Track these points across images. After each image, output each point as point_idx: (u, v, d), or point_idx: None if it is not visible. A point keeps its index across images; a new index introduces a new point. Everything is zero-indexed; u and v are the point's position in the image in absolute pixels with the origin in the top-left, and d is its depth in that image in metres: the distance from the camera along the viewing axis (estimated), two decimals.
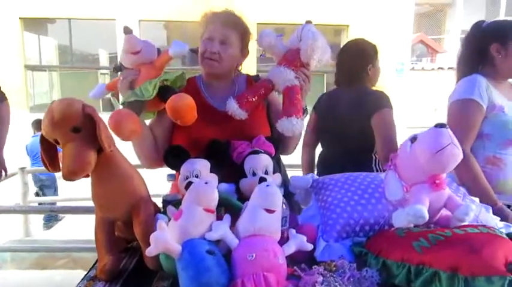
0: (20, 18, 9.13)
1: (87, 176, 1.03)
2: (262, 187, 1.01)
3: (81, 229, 3.35)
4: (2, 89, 2.66)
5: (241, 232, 0.99)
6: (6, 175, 2.16)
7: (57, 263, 3.03)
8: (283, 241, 1.04)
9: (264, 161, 1.35)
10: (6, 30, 8.96)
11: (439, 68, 11.62)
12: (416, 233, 1.02)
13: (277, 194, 1.01)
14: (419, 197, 1.09)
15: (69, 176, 0.96)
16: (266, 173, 1.34)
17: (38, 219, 4.81)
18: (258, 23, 9.00)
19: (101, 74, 10.61)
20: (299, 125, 1.40)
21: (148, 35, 9.63)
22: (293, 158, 1.95)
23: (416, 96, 9.81)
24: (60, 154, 1.06)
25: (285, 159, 1.73)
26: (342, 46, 2.11)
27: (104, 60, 10.60)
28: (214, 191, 1.02)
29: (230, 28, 1.46)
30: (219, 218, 1.05)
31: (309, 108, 1.65)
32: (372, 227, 1.17)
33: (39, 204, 4.60)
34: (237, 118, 1.41)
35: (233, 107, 1.41)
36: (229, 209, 1.19)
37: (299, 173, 1.86)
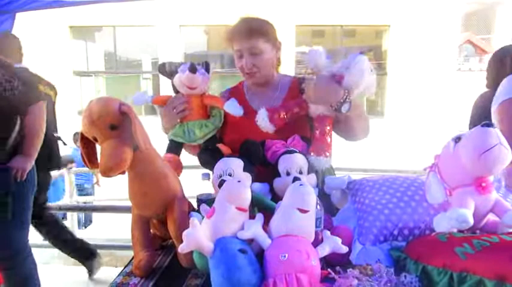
0: (69, 26, 9.64)
1: (123, 173, 1.05)
2: (296, 186, 0.99)
3: (115, 228, 3.49)
4: (41, 88, 2.53)
5: (274, 232, 0.97)
6: (24, 183, 2.11)
7: (101, 260, 3.14)
8: (317, 242, 1.01)
9: (299, 161, 1.33)
10: (56, 38, 9.47)
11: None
12: (460, 238, 0.96)
13: (311, 193, 0.98)
14: (463, 201, 1.03)
15: (106, 173, 0.98)
16: (300, 173, 1.31)
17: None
18: (296, 25, 8.98)
19: (143, 78, 10.97)
20: (327, 164, 1.41)
21: (188, 39, 9.86)
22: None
23: (463, 97, 9.38)
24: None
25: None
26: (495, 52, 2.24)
27: (146, 65, 10.95)
28: (246, 189, 1.01)
29: (254, 37, 1.48)
30: (252, 217, 1.04)
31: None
32: (412, 231, 1.12)
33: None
34: (264, 131, 1.41)
35: (262, 119, 1.40)
36: (262, 209, 1.19)
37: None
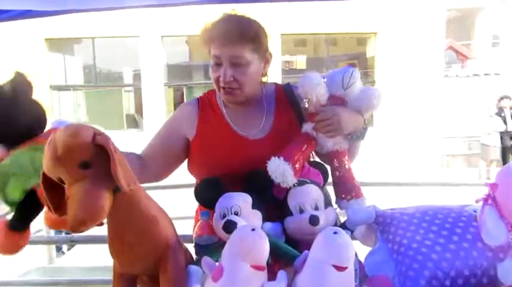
0: (45, 39, 9.26)
1: (101, 224, 0.80)
2: (329, 236, 0.77)
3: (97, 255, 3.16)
4: None
5: None
6: None
7: None
8: None
9: (313, 194, 1.10)
10: (32, 51, 9.08)
11: (474, 74, 11.13)
12: None
13: (349, 245, 0.76)
14: None
15: (77, 226, 0.73)
16: (316, 208, 1.08)
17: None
18: (281, 34, 8.83)
19: (125, 91, 10.64)
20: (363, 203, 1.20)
21: (171, 50, 9.60)
22: None
23: (452, 104, 9.37)
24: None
25: None
26: None
27: (128, 78, 10.63)
28: (264, 241, 0.78)
29: (239, 43, 1.14)
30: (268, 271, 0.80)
31: None
32: (468, 280, 0.90)
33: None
34: (284, 186, 1.10)
35: (282, 174, 1.08)
36: (278, 257, 0.95)
37: None
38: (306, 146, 1.16)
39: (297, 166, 1.11)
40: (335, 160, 1.21)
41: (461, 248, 0.92)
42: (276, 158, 1.09)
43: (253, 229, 0.79)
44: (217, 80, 1.18)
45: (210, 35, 1.17)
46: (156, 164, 1.26)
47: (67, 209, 0.83)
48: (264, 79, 1.30)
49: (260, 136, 1.24)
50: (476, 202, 0.96)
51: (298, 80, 1.20)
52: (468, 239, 0.94)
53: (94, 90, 10.33)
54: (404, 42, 8.58)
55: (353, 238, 1.19)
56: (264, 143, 1.22)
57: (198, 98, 1.33)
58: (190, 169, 1.30)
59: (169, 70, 9.81)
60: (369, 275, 0.96)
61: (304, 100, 1.19)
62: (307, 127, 1.19)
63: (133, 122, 10.36)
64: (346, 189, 1.19)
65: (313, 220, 1.02)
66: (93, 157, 0.77)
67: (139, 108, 10.16)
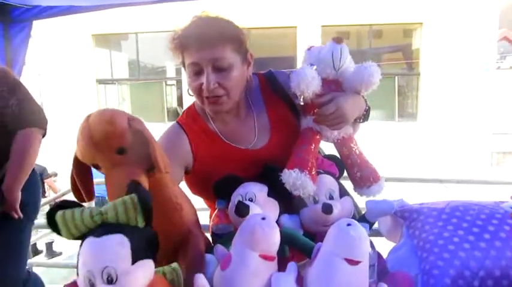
0: (91, 35, 9.65)
1: None
2: (342, 228, 0.72)
3: None
4: (31, 112, 1.85)
5: None
6: (18, 217, 1.81)
7: None
8: None
9: (327, 183, 1.06)
10: (79, 46, 9.49)
11: None
12: None
13: (364, 237, 0.72)
14: None
15: None
16: (331, 198, 1.04)
17: None
18: (322, 26, 8.68)
19: (167, 85, 10.88)
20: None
21: None
22: None
23: (504, 98, 8.80)
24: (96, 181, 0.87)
25: None
26: None
27: (170, 72, 10.86)
28: (274, 230, 0.75)
29: (218, 44, 1.03)
30: (283, 262, 0.78)
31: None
32: (499, 282, 0.83)
33: None
34: (305, 196, 1.04)
35: (305, 185, 1.02)
36: (295, 248, 0.92)
37: None
38: (313, 145, 1.10)
39: (313, 172, 1.06)
40: (344, 148, 1.16)
41: (492, 247, 0.85)
42: (291, 171, 1.03)
43: (263, 218, 0.76)
44: (199, 90, 1.06)
45: (184, 42, 1.05)
46: None
47: (93, 195, 0.86)
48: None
49: (261, 144, 1.18)
50: (511, 198, 0.89)
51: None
52: (502, 237, 0.87)
53: (138, 84, 10.65)
54: (453, 33, 8.14)
55: (376, 233, 1.14)
56: (268, 149, 1.18)
57: (179, 124, 1.19)
58: (197, 193, 1.23)
59: None
60: (390, 272, 0.91)
61: (299, 96, 1.13)
62: (308, 121, 1.13)
63: (175, 115, 10.59)
64: (364, 176, 1.14)
65: (326, 208, 0.98)
66: (129, 143, 0.77)
67: (181, 102, 10.38)
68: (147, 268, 0.66)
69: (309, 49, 1.17)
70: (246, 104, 1.20)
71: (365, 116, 1.17)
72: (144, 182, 0.78)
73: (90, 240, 0.64)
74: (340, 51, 1.07)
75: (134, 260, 0.64)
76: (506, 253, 0.84)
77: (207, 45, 1.02)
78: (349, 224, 0.72)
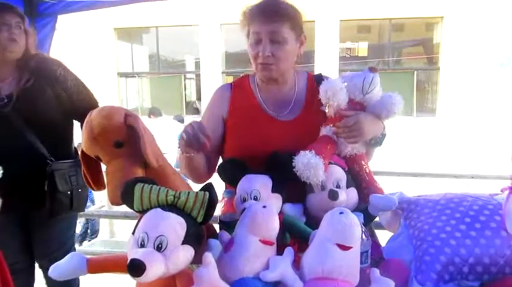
0: (113, 28, 9.85)
1: None
2: (334, 215, 0.79)
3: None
4: None
5: (307, 272, 0.78)
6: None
7: None
8: (364, 283, 0.80)
9: (335, 173, 1.12)
10: (101, 40, 9.72)
11: None
12: None
13: (354, 224, 0.77)
14: None
15: (116, 202, 0.82)
16: (338, 187, 1.10)
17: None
18: (340, 20, 8.60)
19: (187, 78, 11.02)
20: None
21: (229, 38, 9.75)
22: None
23: None
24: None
25: None
26: None
27: (190, 65, 10.99)
28: (274, 217, 0.82)
29: (278, 20, 1.20)
30: (282, 248, 0.84)
31: None
32: (487, 268, 0.88)
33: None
34: (313, 181, 1.09)
35: (317, 167, 1.07)
36: (295, 235, 0.99)
37: None
38: (329, 146, 1.16)
39: (326, 161, 1.11)
40: (355, 165, 1.21)
41: (482, 236, 0.90)
42: (307, 151, 1.09)
43: (264, 206, 0.83)
44: (256, 57, 1.24)
45: (251, 15, 1.24)
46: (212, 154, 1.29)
47: (104, 184, 0.94)
48: (298, 62, 1.33)
49: (289, 118, 1.27)
50: (502, 191, 0.93)
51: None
52: (492, 227, 0.91)
53: (158, 77, 10.82)
54: (474, 27, 7.96)
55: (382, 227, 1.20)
56: (292, 126, 1.25)
57: (231, 82, 1.40)
58: (227, 149, 1.34)
59: (227, 58, 9.98)
60: (385, 259, 0.97)
61: (325, 104, 1.21)
62: (327, 130, 1.19)
63: (193, 108, 10.73)
64: (371, 192, 1.17)
65: (333, 194, 1.04)
66: (126, 137, 0.85)
67: (199, 96, 10.51)
68: (190, 253, 0.74)
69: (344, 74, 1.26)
70: (292, 85, 1.34)
71: (380, 140, 1.23)
72: (140, 173, 0.85)
73: (158, 210, 0.74)
74: (372, 79, 1.16)
75: (183, 243, 0.73)
76: (495, 242, 0.89)
77: (268, 20, 1.20)
78: (341, 212, 0.78)
